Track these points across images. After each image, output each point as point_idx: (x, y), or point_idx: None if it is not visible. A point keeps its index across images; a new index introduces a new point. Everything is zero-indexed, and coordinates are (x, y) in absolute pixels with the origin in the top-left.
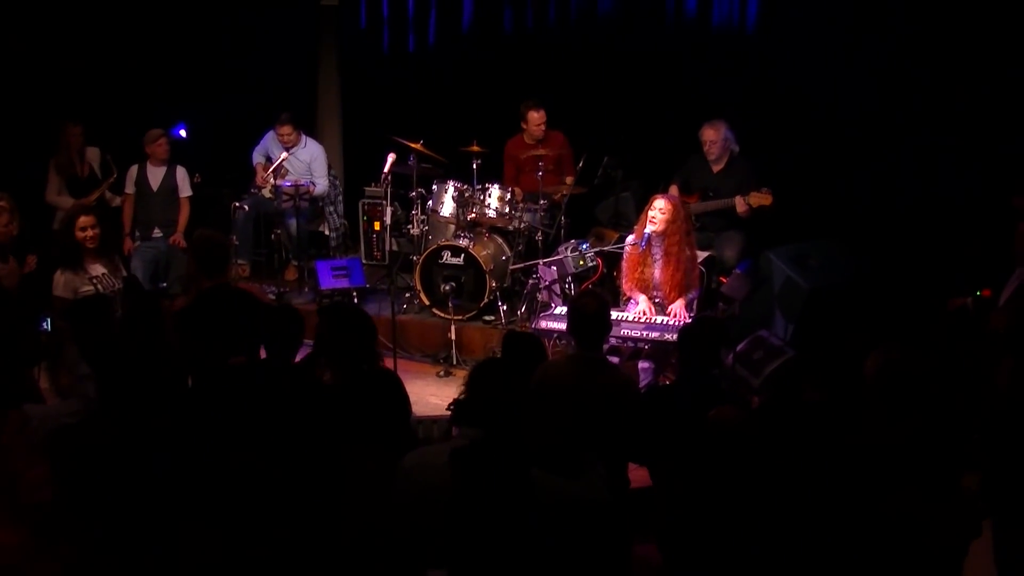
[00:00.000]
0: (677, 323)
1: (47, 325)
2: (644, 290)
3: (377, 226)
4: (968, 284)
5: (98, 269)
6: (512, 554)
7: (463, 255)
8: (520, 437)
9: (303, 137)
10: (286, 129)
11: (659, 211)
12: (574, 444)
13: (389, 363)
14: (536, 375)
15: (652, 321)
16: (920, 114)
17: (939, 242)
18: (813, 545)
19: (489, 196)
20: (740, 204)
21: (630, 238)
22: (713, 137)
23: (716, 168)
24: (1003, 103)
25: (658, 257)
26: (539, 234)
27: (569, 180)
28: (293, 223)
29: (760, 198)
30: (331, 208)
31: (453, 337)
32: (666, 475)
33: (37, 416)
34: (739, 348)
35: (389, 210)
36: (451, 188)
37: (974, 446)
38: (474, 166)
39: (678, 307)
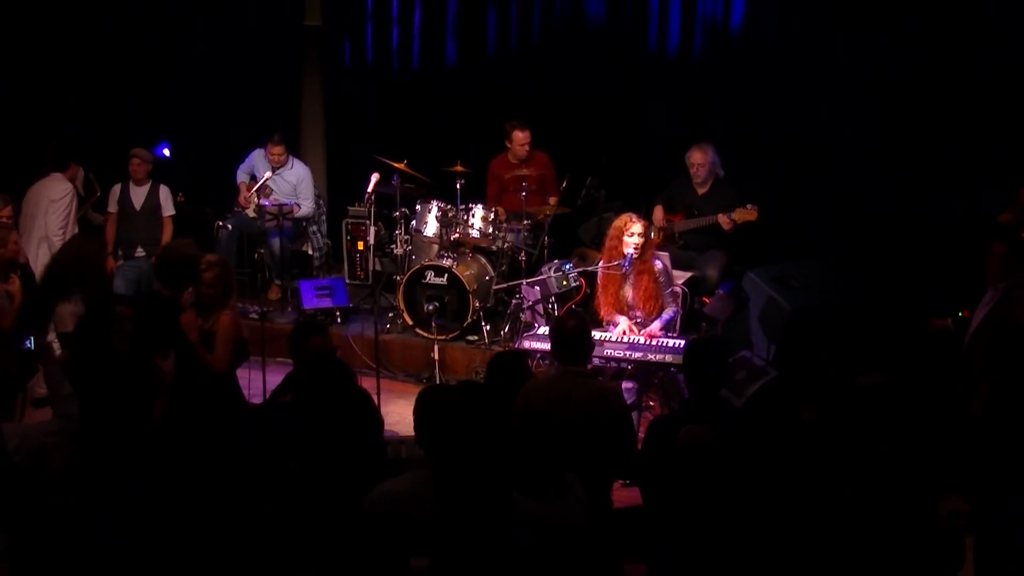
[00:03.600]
0: (656, 344)
1: (31, 344)
2: (622, 311)
3: (360, 246)
4: (950, 304)
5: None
6: None
7: (446, 275)
8: (486, 462)
9: (291, 158)
10: (278, 149)
11: (638, 235)
12: (552, 466)
13: (371, 383)
14: (520, 395)
15: (635, 341)
16: (902, 135)
17: (921, 262)
18: (797, 564)
19: (472, 216)
20: (724, 221)
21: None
22: (700, 160)
23: (701, 191)
24: (983, 122)
25: (630, 275)
26: (522, 254)
27: (552, 200)
28: (276, 242)
29: (745, 214)
30: (314, 228)
31: (436, 357)
32: (662, 499)
33: (17, 435)
34: None
35: (372, 230)
36: (435, 208)
37: (953, 467)
38: (458, 186)
39: (655, 328)
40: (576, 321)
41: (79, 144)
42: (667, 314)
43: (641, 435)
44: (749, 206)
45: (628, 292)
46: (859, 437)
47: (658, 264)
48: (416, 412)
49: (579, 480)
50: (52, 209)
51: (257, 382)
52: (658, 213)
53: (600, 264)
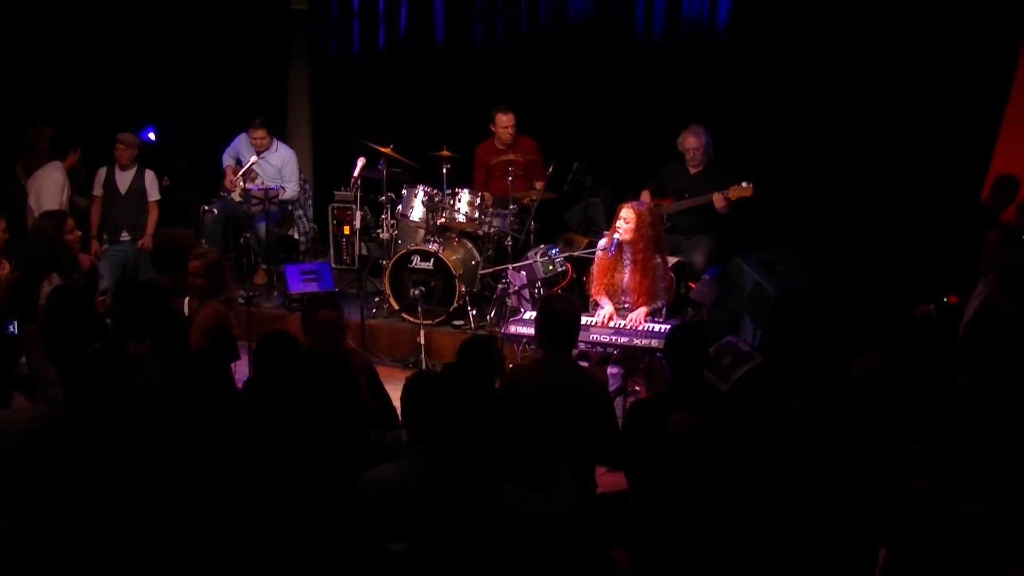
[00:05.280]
0: (642, 329)
1: (14, 328)
2: (612, 295)
3: (347, 230)
4: (935, 290)
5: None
6: (482, 569)
7: (433, 260)
8: (472, 449)
9: (275, 141)
10: (260, 133)
11: (624, 220)
12: (541, 455)
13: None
14: (504, 380)
15: (621, 326)
16: (889, 120)
17: (907, 248)
18: (789, 551)
19: (459, 201)
20: (719, 200)
21: (602, 243)
22: (695, 144)
23: (694, 171)
24: (968, 108)
25: (627, 263)
26: (509, 239)
27: (539, 185)
28: (262, 226)
29: (740, 191)
30: (300, 212)
31: (423, 341)
32: (646, 484)
33: (1, 421)
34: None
35: (359, 214)
36: (421, 193)
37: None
38: (444, 171)
39: (638, 314)
40: (565, 307)
41: (76, 131)
42: (658, 302)
43: None
44: (744, 184)
45: (624, 278)
46: (867, 415)
47: (657, 259)
48: (403, 399)
49: (569, 470)
50: (43, 197)
51: (243, 365)
52: (644, 198)
53: (598, 245)
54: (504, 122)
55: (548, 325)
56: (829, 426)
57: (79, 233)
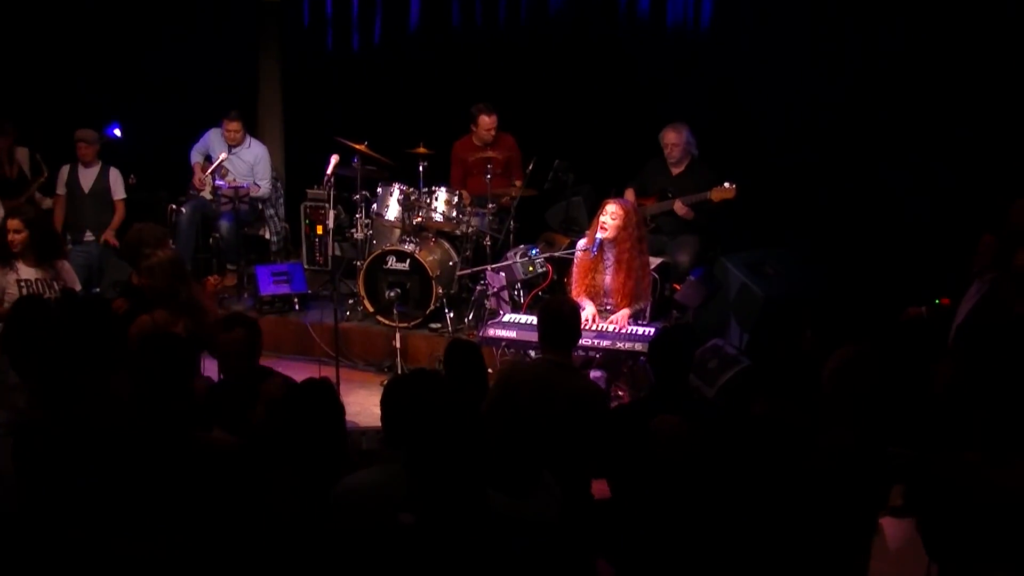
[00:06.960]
0: (625, 332)
1: None
2: (594, 297)
3: (320, 230)
4: (927, 292)
5: (29, 272)
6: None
7: (408, 260)
8: (453, 454)
9: (247, 137)
10: (235, 125)
11: (611, 216)
12: (526, 462)
13: (330, 372)
14: (501, 376)
15: (604, 329)
16: (878, 120)
17: (898, 249)
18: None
19: (436, 199)
20: (679, 207)
21: (581, 243)
22: (675, 140)
23: (675, 171)
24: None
25: (609, 264)
26: (487, 239)
27: (518, 183)
28: (224, 224)
29: (723, 192)
30: (272, 211)
31: (398, 345)
32: (629, 490)
33: None
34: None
35: (332, 213)
36: (396, 191)
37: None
38: (420, 168)
39: (621, 316)
40: (570, 307)
41: (36, 127)
42: (639, 304)
43: None
44: (727, 184)
45: (606, 278)
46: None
47: (640, 259)
48: (383, 402)
49: (555, 478)
50: None
51: (211, 371)
52: (629, 197)
53: (578, 246)
54: (487, 123)
55: (551, 324)
56: (796, 431)
57: (21, 235)
